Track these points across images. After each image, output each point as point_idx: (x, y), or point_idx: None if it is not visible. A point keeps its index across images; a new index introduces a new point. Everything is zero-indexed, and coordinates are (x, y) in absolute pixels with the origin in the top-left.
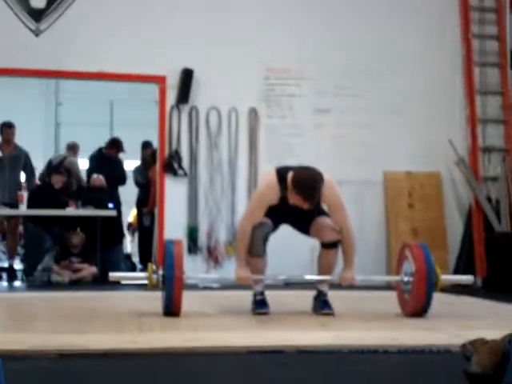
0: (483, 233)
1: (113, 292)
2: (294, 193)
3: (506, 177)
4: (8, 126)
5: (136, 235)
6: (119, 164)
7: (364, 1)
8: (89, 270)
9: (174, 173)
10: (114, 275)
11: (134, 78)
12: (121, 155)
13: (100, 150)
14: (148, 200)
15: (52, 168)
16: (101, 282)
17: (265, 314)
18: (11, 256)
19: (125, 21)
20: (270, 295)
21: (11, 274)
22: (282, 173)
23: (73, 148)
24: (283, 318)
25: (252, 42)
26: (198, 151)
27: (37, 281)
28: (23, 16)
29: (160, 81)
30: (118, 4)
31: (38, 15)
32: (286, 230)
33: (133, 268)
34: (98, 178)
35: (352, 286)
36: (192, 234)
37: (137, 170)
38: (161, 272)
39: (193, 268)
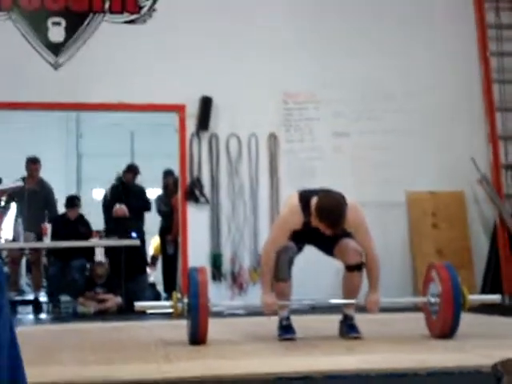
0: (509, 250)
1: (138, 322)
2: (318, 220)
3: None
4: (33, 162)
5: (158, 265)
6: (141, 192)
7: (381, 24)
8: (114, 301)
9: (196, 200)
10: (139, 305)
11: (153, 108)
12: (142, 183)
13: (120, 178)
14: (171, 228)
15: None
16: (126, 311)
17: (291, 339)
18: (36, 288)
19: (142, 51)
20: (295, 320)
21: (37, 306)
22: (305, 198)
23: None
24: (310, 343)
25: (269, 67)
26: (219, 178)
27: (62, 312)
28: (42, 50)
29: (179, 109)
30: (135, 36)
31: (56, 49)
32: (310, 254)
33: (157, 297)
34: (121, 208)
35: (379, 310)
36: (216, 261)
37: (159, 199)
38: (186, 300)
39: (217, 295)
